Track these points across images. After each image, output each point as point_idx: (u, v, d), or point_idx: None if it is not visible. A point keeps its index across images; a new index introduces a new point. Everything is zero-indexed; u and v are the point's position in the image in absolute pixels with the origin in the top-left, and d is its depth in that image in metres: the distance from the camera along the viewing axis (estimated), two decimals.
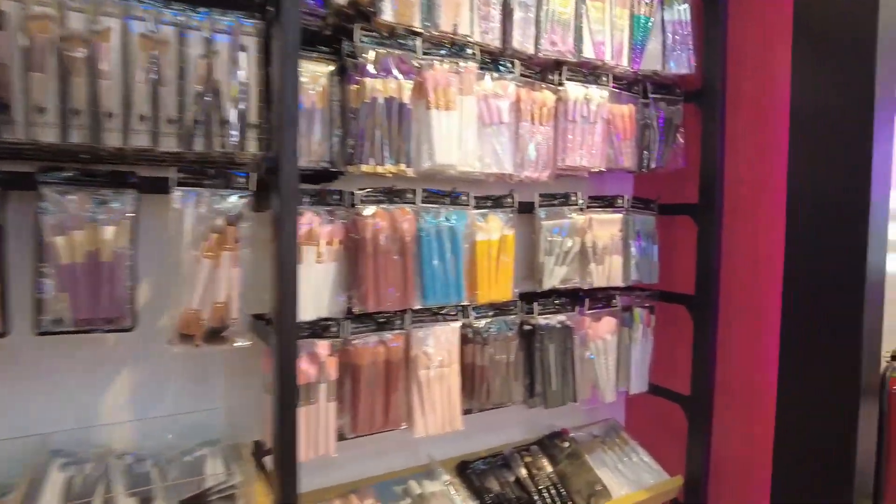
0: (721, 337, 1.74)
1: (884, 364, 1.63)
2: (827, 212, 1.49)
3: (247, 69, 1.14)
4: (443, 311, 1.45)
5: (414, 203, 1.36)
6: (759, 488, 1.66)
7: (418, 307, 1.39)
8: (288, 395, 1.09)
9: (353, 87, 1.28)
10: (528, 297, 1.60)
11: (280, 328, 1.08)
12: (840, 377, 1.46)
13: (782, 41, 1.62)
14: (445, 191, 1.42)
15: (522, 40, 1.50)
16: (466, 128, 1.39)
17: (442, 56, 1.37)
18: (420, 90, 1.34)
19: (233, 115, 1.11)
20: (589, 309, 1.65)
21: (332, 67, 1.30)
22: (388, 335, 1.37)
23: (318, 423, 1.29)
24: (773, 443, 1.61)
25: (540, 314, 1.56)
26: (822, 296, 1.50)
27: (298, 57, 1.09)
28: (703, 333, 1.71)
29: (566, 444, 1.78)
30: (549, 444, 1.80)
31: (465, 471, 1.65)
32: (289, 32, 1.06)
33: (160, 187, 1.12)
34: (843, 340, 1.46)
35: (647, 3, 1.69)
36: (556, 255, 1.55)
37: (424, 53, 1.34)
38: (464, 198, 1.44)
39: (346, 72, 1.31)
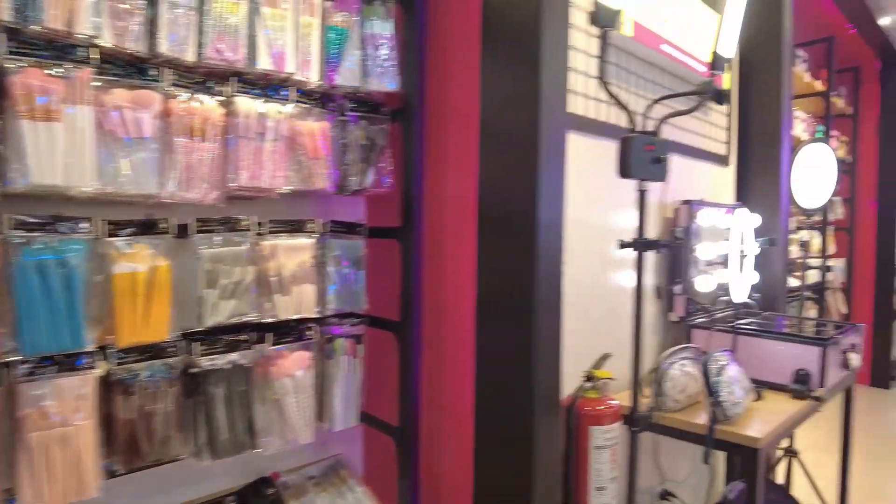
0: (429, 364, 1.68)
1: (577, 383, 1.64)
2: (504, 230, 1.47)
3: None
4: (73, 359, 1.22)
5: None
6: None
7: (29, 357, 1.16)
8: None
9: None
10: (203, 335, 1.42)
11: None
12: (519, 398, 1.44)
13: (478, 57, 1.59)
14: (49, 217, 1.20)
15: (176, 46, 1.33)
16: (80, 143, 1.18)
17: (42, 58, 1.15)
18: (7, 98, 1.11)
19: None
20: (275, 344, 1.50)
21: None
22: None
23: None
24: (473, 474, 1.57)
25: (206, 354, 1.39)
26: (504, 317, 1.48)
27: None
28: (407, 361, 1.64)
29: (271, 492, 1.62)
30: (252, 493, 1.62)
31: None
32: None
33: None
34: (520, 361, 1.44)
35: (342, 14, 1.60)
36: (221, 287, 1.38)
37: (13, 53, 1.12)
38: (84, 224, 1.23)
39: None
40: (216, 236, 1.40)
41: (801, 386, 1.90)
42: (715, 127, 2.56)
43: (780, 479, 2.58)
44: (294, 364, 1.51)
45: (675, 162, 2.29)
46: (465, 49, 1.62)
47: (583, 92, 1.72)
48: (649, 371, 1.94)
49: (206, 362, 1.38)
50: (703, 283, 2.18)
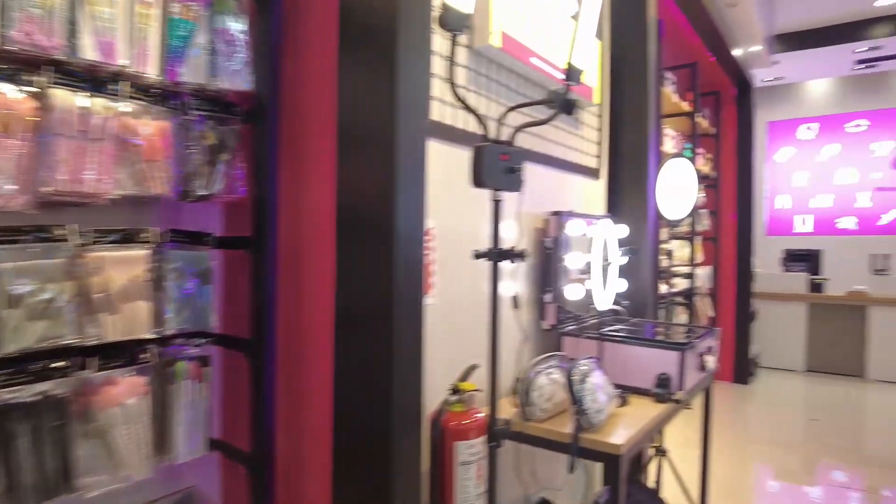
0: (286, 384, 1.57)
1: (443, 396, 1.60)
2: (363, 239, 1.40)
3: None
4: None
5: None
6: None
7: None
8: None
9: None
10: (5, 363, 1.22)
11: None
12: (377, 415, 1.37)
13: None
14: None
15: None
16: None
17: None
18: None
19: None
20: (101, 369, 1.32)
21: None
22: None
23: None
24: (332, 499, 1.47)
25: (6, 386, 1.19)
26: (362, 331, 1.40)
27: None
28: (259, 382, 1.51)
29: None
30: None
31: None
32: None
33: None
34: (378, 376, 1.37)
35: (188, 6, 1.46)
36: (27, 306, 1.20)
37: None
38: None
39: None
40: (24, 247, 1.21)
41: (662, 389, 1.98)
42: (587, 141, 2.65)
43: (651, 476, 2.69)
44: (125, 391, 1.34)
45: (548, 174, 2.34)
46: (322, 49, 1.53)
47: (450, 101, 1.70)
48: (516, 380, 1.94)
49: (5, 395, 1.18)
50: (573, 292, 2.23)
